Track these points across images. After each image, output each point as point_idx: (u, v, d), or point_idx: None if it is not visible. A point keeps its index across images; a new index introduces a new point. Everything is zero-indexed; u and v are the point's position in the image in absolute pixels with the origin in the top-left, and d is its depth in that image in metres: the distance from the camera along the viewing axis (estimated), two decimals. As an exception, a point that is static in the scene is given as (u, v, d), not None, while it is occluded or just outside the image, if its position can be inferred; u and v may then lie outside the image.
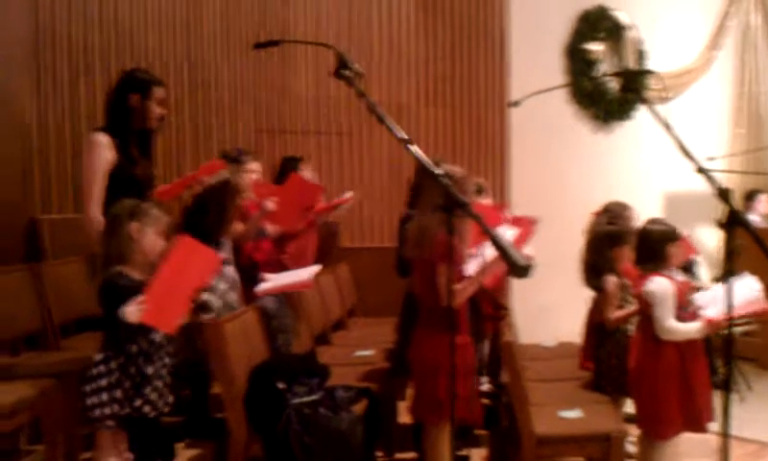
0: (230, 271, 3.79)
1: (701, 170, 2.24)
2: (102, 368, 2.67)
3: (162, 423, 2.89)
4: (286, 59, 5.53)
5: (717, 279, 6.49)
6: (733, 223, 2.13)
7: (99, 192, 3.28)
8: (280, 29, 5.48)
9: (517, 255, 1.99)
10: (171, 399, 2.84)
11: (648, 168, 7.22)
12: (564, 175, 6.76)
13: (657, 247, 3.34)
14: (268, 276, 3.84)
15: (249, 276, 3.95)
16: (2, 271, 3.68)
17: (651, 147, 7.03)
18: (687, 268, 4.42)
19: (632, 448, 3.60)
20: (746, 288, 3.21)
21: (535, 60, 6.62)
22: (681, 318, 3.26)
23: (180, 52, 5.05)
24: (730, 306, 2.29)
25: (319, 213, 4.63)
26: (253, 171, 4.31)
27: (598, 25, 7.00)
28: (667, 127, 2.36)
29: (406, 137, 2.20)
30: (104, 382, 2.66)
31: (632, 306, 3.66)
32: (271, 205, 4.06)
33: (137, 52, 4.84)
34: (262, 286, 3.72)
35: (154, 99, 3.43)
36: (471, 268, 3.08)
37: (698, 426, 3.29)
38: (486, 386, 4.47)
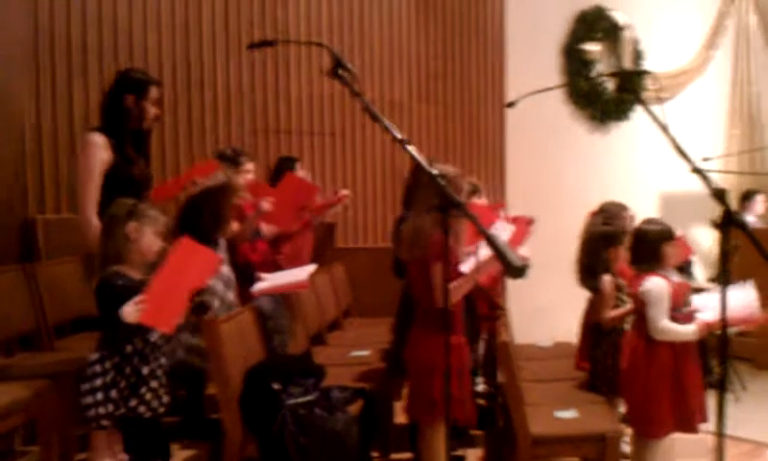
0: (227, 271, 3.78)
1: (696, 170, 2.24)
2: (97, 368, 2.67)
3: (158, 423, 2.88)
4: (281, 59, 5.53)
5: (713, 280, 6.52)
6: (729, 223, 2.12)
7: (94, 192, 3.27)
8: (275, 28, 5.47)
9: (513, 256, 1.98)
10: (167, 399, 2.83)
11: (644, 168, 7.24)
12: (561, 175, 6.77)
13: (652, 247, 3.34)
14: (264, 275, 3.83)
15: (245, 275, 3.94)
16: (-4, 271, 3.67)
17: (647, 147, 7.05)
18: (683, 268, 4.43)
19: (627, 449, 3.60)
20: (742, 297, 3.22)
21: (531, 59, 6.63)
22: (675, 319, 3.27)
23: (176, 52, 5.03)
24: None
25: (314, 213, 4.62)
26: (248, 171, 4.31)
27: (595, 25, 7.02)
28: (663, 127, 2.36)
29: (402, 137, 2.20)
30: (99, 382, 2.65)
31: (627, 306, 3.66)
32: (266, 205, 4.05)
33: (134, 52, 4.82)
34: (258, 286, 3.71)
35: (149, 99, 3.42)
36: (466, 267, 3.07)
37: (689, 427, 3.29)
38: (481, 386, 4.47)
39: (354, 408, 3.34)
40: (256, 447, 3.07)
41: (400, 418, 3.85)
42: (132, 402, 2.69)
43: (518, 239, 3.58)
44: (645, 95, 6.81)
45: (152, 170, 3.70)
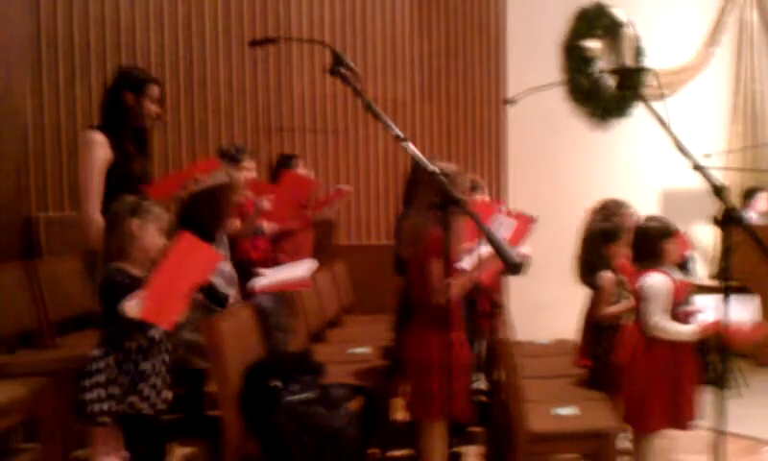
0: (227, 267, 3.79)
1: (697, 167, 2.24)
2: (99, 364, 2.67)
3: (158, 421, 2.89)
4: (283, 57, 5.53)
5: (714, 277, 6.52)
6: (729, 220, 2.13)
7: (97, 189, 3.27)
8: (277, 27, 5.48)
9: (512, 253, 1.99)
10: (170, 395, 2.83)
11: (645, 165, 7.22)
12: (561, 172, 6.76)
13: (653, 244, 3.34)
14: (263, 271, 3.83)
15: (246, 273, 3.94)
16: (-3, 268, 3.68)
17: (648, 144, 7.03)
18: (683, 265, 4.42)
19: (627, 445, 3.60)
20: (743, 309, 3.22)
21: (532, 56, 6.62)
22: (676, 316, 3.27)
23: (178, 50, 5.04)
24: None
25: (315, 210, 4.63)
26: (249, 168, 4.31)
27: (595, 22, 7.00)
28: (664, 124, 2.36)
29: (402, 135, 2.20)
30: (100, 378, 2.66)
31: (626, 302, 3.66)
32: (266, 204, 4.06)
33: (136, 51, 4.83)
34: (259, 282, 3.71)
35: (148, 97, 3.42)
36: (466, 264, 3.07)
37: (683, 424, 3.30)
38: (481, 383, 4.47)
39: (354, 405, 3.34)
40: (256, 444, 3.07)
41: (400, 415, 3.86)
42: (133, 399, 2.70)
43: (519, 237, 3.58)
44: (646, 92, 6.81)
45: (153, 168, 3.70)
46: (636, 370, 3.31)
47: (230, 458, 3.05)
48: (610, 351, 3.70)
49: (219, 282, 3.52)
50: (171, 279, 2.57)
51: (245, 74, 5.36)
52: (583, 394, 3.67)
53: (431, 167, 2.21)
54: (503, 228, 3.35)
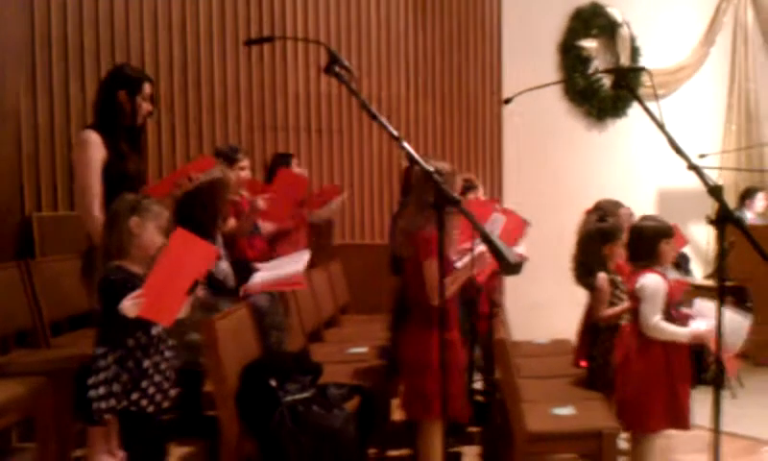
0: (224, 266, 3.78)
1: (693, 167, 2.24)
2: (102, 362, 2.67)
3: (157, 420, 2.88)
4: (278, 56, 5.52)
5: (710, 276, 6.53)
6: (724, 220, 2.13)
7: (96, 187, 3.26)
8: (272, 25, 5.47)
9: (507, 253, 1.98)
10: (173, 393, 2.82)
11: (641, 165, 7.24)
12: (558, 172, 6.77)
13: (649, 244, 3.34)
14: (260, 265, 3.82)
15: (243, 272, 3.93)
16: (-7, 268, 3.67)
17: (644, 144, 7.05)
18: (679, 264, 4.43)
19: (624, 445, 3.60)
20: (736, 324, 3.23)
21: (528, 55, 6.63)
22: (671, 316, 3.27)
23: (172, 49, 5.03)
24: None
25: (311, 208, 4.63)
26: (243, 167, 4.30)
27: (592, 22, 7.02)
28: (660, 124, 2.35)
29: (398, 134, 2.20)
30: (102, 376, 2.65)
31: (624, 303, 3.66)
32: (261, 203, 4.05)
33: (130, 50, 4.82)
34: (254, 278, 3.70)
35: (141, 95, 3.41)
36: (460, 264, 3.07)
37: (680, 424, 3.30)
38: (479, 383, 4.47)
39: (351, 405, 3.33)
40: (253, 444, 3.06)
41: (398, 414, 3.85)
42: (135, 396, 2.69)
43: (513, 238, 3.58)
44: (642, 92, 6.82)
45: (146, 166, 3.69)
46: (629, 371, 3.31)
47: (228, 458, 3.04)
48: (607, 352, 3.70)
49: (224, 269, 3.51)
50: (169, 275, 2.57)
51: (239, 73, 5.35)
52: (580, 394, 3.67)
53: (427, 166, 2.20)
54: (498, 227, 3.35)
